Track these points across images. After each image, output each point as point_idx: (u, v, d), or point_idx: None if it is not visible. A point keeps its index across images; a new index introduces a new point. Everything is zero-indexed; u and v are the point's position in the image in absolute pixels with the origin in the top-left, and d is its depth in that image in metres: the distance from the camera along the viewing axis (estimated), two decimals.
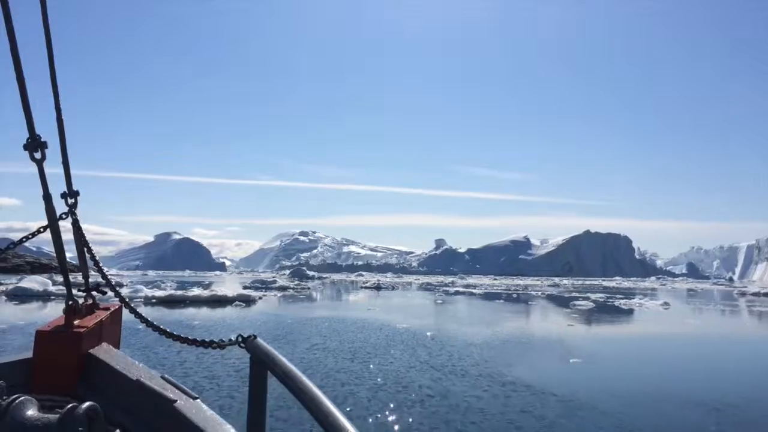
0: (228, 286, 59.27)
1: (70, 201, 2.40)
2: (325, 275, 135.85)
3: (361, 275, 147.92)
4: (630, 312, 31.37)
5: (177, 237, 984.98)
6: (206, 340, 2.11)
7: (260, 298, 35.32)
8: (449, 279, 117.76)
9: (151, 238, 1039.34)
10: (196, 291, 33.57)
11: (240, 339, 1.82)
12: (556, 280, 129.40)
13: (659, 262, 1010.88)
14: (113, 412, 1.98)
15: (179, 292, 32.02)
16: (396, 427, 7.34)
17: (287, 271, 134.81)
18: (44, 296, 32.26)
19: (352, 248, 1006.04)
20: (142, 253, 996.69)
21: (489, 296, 47.66)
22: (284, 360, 1.64)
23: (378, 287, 58.74)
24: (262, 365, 1.67)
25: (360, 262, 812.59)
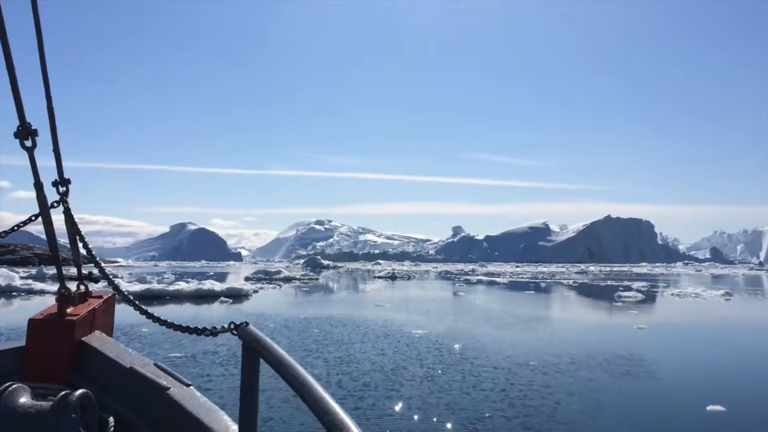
0: (230, 277, 55.10)
1: (62, 189, 2.37)
2: (340, 264, 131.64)
3: (379, 264, 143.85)
4: (697, 305, 25.94)
5: (192, 227, 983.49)
6: (199, 327, 2.08)
7: (255, 291, 30.67)
8: (469, 267, 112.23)
9: (168, 229, 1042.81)
10: (180, 285, 29.06)
11: (232, 326, 1.81)
12: (582, 266, 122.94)
13: (681, 247, 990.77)
14: (106, 399, 2.00)
15: (158, 286, 27.48)
16: None
17: (301, 261, 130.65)
18: (6, 293, 27.85)
19: (369, 237, 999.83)
20: (157, 243, 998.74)
21: (516, 286, 42.54)
22: (276, 347, 1.63)
23: (393, 277, 53.88)
24: (254, 352, 1.65)
25: (376, 251, 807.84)
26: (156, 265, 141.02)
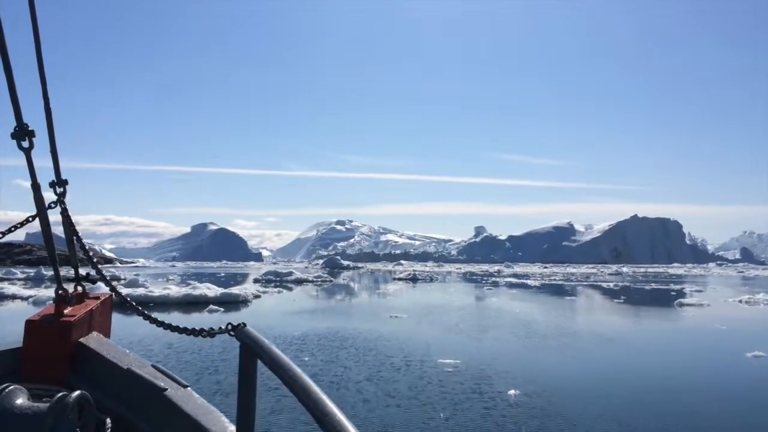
0: (240, 279, 51.67)
1: (59, 190, 2.37)
2: (360, 265, 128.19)
3: (400, 264, 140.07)
4: None
5: (213, 228, 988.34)
6: (196, 328, 2.08)
7: (257, 296, 26.94)
8: (494, 268, 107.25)
9: (189, 230, 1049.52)
10: (171, 289, 25.54)
11: (230, 327, 1.82)
12: (615, 267, 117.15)
13: (710, 248, 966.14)
14: (104, 400, 2.00)
15: (140, 291, 23.85)
16: None
17: (321, 261, 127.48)
18: None
19: (390, 237, 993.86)
20: (179, 244, 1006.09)
21: (551, 290, 38.16)
22: (274, 348, 1.63)
23: (414, 279, 49.80)
24: (251, 353, 1.67)
25: (398, 251, 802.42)
26: (173, 266, 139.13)
